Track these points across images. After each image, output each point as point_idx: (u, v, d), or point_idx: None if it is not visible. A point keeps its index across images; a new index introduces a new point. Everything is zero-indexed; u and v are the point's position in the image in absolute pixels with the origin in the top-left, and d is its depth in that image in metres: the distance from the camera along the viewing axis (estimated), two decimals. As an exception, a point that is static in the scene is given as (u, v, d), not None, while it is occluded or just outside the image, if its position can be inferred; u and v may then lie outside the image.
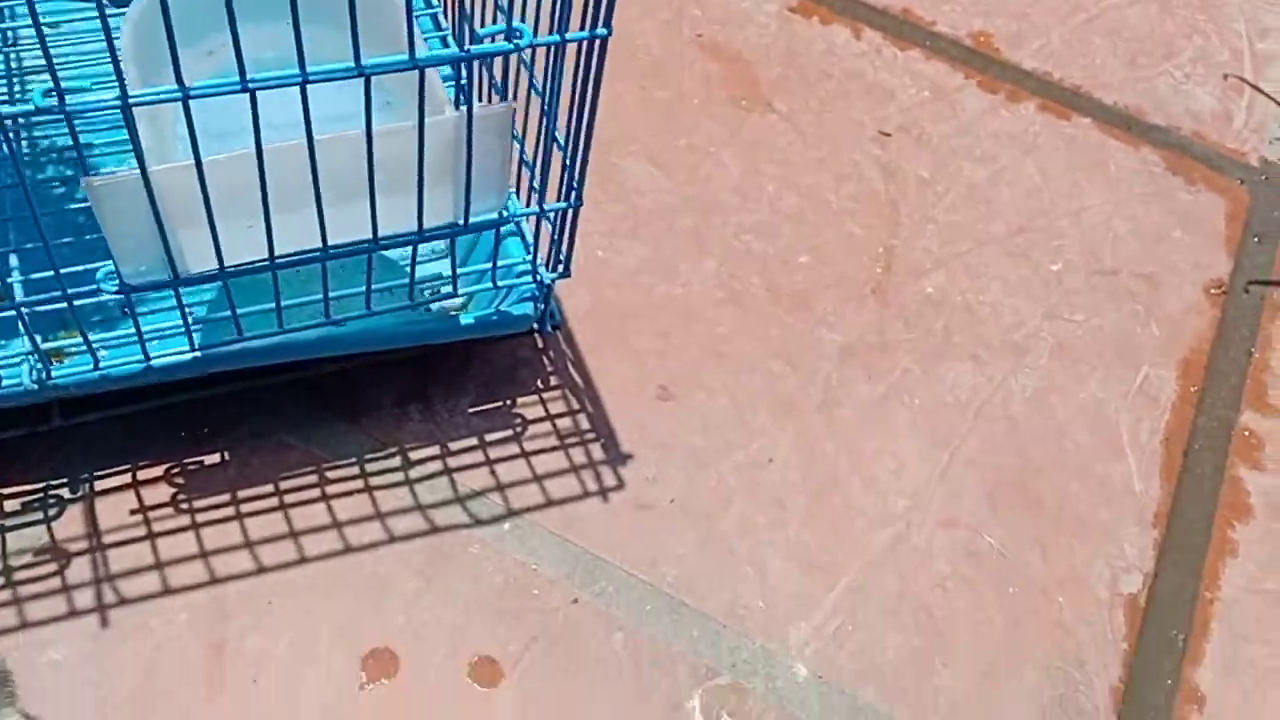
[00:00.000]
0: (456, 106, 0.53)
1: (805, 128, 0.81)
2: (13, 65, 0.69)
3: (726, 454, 0.63)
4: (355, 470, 0.59)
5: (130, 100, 0.42)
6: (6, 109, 0.41)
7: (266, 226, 0.48)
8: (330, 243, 0.51)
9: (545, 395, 0.64)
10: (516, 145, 0.60)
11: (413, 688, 0.52)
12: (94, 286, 0.49)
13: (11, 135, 0.65)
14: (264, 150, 0.45)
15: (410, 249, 0.55)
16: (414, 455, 0.60)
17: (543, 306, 0.61)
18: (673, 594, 0.57)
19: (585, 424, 0.63)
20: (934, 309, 0.72)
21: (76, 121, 0.42)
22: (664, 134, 0.80)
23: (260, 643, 0.52)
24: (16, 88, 0.68)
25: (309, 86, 0.44)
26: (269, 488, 0.57)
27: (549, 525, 0.58)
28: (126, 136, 0.62)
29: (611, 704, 0.52)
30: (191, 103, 0.42)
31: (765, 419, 0.65)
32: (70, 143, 0.67)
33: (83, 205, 0.63)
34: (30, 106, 0.41)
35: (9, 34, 0.70)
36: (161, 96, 0.42)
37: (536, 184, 0.56)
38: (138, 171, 0.44)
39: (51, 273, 0.48)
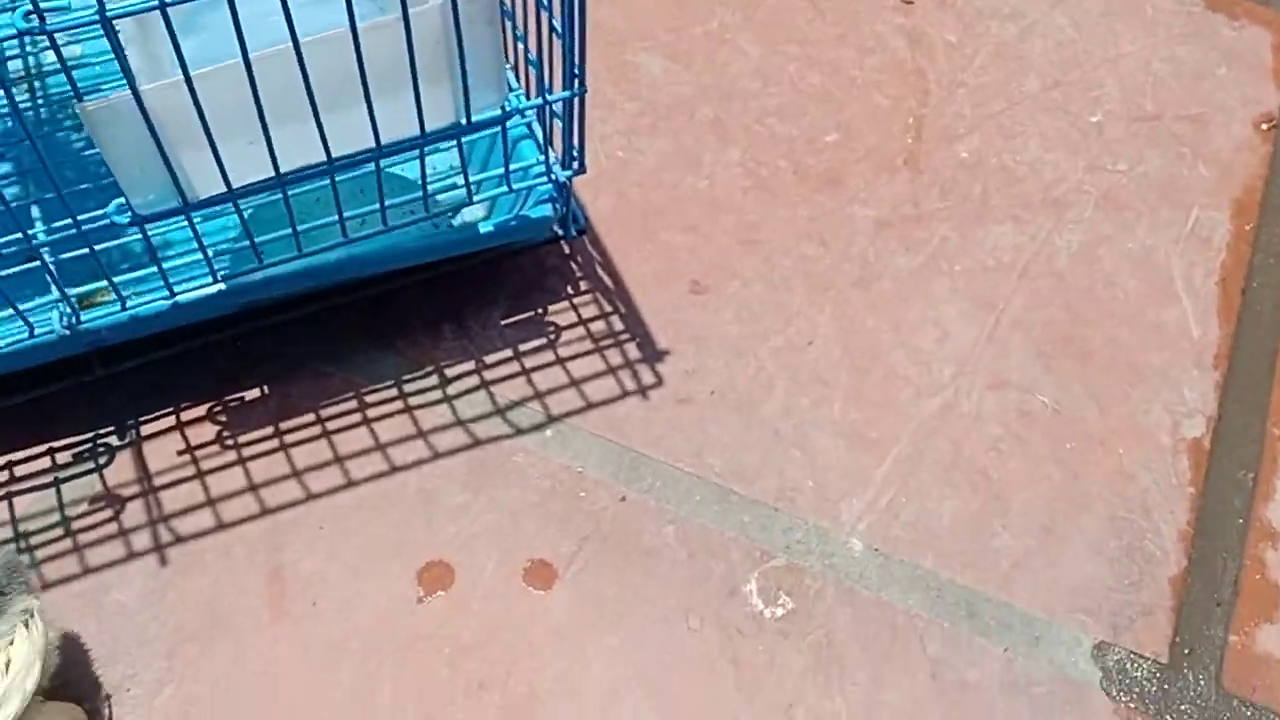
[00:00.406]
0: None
1: (823, 3, 0.78)
2: None
3: (764, 340, 0.62)
4: (394, 392, 0.59)
5: (109, 13, 0.41)
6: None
7: (266, 139, 0.48)
8: (334, 155, 0.50)
9: (576, 300, 0.63)
10: (519, 44, 0.58)
11: (469, 596, 0.52)
12: (108, 221, 0.49)
13: (15, 80, 0.65)
14: (251, 60, 0.44)
15: (424, 165, 0.54)
16: (450, 372, 0.59)
17: (562, 207, 0.60)
18: (720, 483, 0.56)
19: (619, 325, 0.62)
20: (969, 173, 0.70)
21: (80, 52, 0.41)
22: (678, 24, 0.78)
23: (316, 566, 0.52)
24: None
25: (290, -4, 0.43)
26: (310, 416, 0.57)
27: (590, 427, 0.58)
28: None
29: (668, 593, 0.52)
30: (189, 30, 0.42)
31: (801, 301, 0.63)
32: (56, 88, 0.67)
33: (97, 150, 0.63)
34: (12, 30, 0.40)
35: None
36: (140, 7, 0.41)
37: (546, 80, 0.55)
38: (129, 93, 0.44)
39: (66, 221, 0.48)
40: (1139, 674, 0.50)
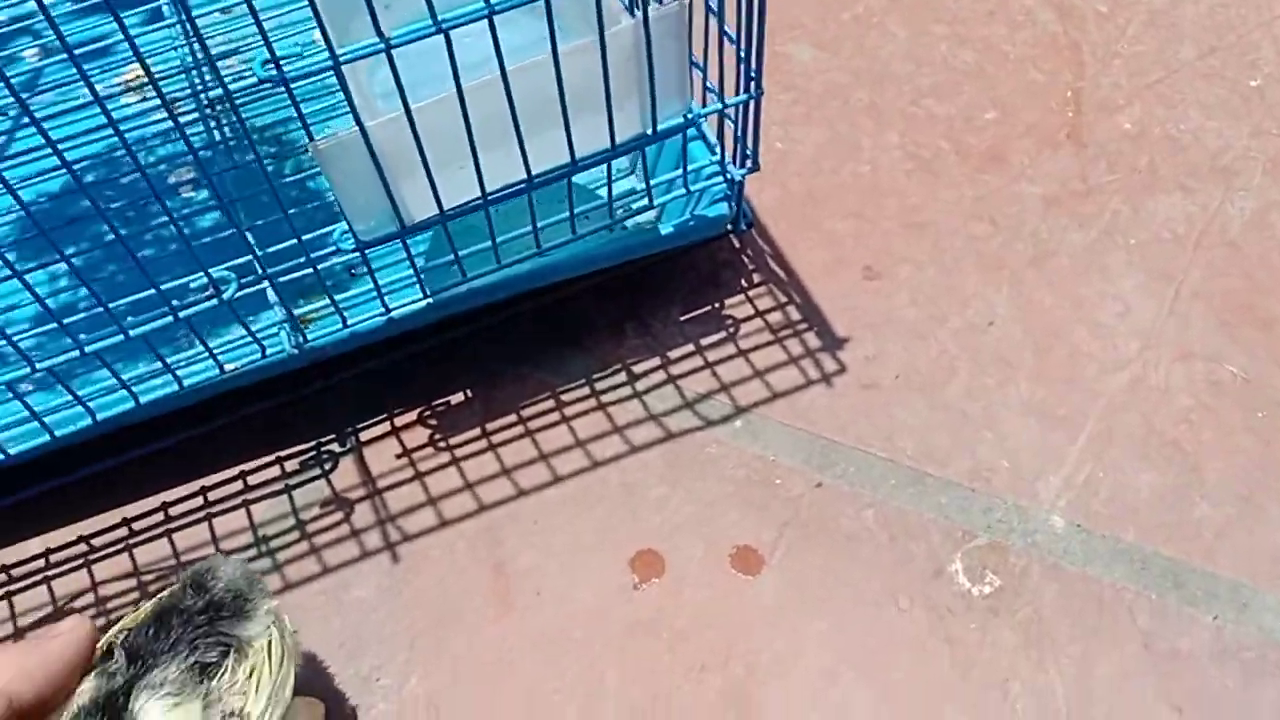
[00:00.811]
0: (631, 14, 0.54)
1: (967, -19, 0.79)
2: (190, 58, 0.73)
3: (943, 322, 0.63)
4: (586, 390, 0.61)
5: (340, 58, 0.44)
6: (217, 89, 0.44)
7: (475, 164, 0.51)
8: (534, 173, 0.53)
9: (751, 293, 0.65)
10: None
11: (681, 583, 0.54)
12: (332, 248, 0.53)
13: (218, 120, 0.70)
14: (463, 89, 0.47)
15: (600, 172, 0.56)
16: (637, 369, 0.62)
17: (735, 205, 0.62)
18: (914, 466, 0.57)
19: (795, 314, 0.64)
20: (1133, 144, 0.70)
21: (277, 96, 0.45)
22: (823, 11, 0.79)
23: (534, 559, 0.56)
24: (197, 79, 0.72)
25: (485, 23, 0.45)
26: (513, 417, 0.61)
27: (778, 417, 0.60)
28: (322, 106, 0.65)
29: (873, 576, 0.54)
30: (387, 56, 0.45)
31: (976, 282, 0.64)
32: (264, 122, 0.72)
33: (292, 179, 0.67)
34: (253, 79, 0.43)
35: (185, 26, 0.74)
36: (368, 50, 0.44)
37: (711, 83, 0.57)
38: (357, 129, 0.47)
39: (284, 245, 0.52)
40: (1355, 640, 0.51)
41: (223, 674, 0.42)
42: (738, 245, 0.67)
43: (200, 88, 0.71)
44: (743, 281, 0.66)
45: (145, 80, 0.75)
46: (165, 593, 0.44)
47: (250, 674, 0.43)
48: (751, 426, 0.60)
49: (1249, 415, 0.58)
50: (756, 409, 0.60)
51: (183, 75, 0.72)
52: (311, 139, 0.48)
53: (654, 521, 0.57)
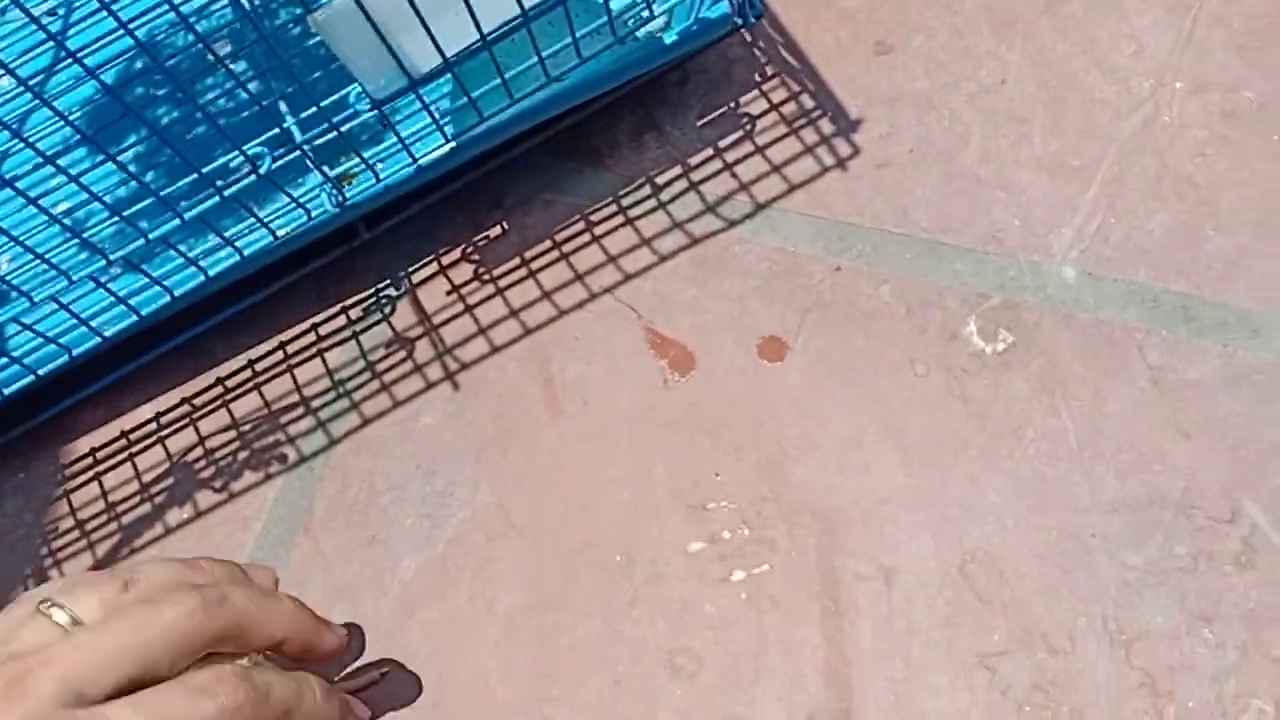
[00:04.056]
0: None
1: None
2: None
3: (956, 88, 0.63)
4: (614, 208, 0.65)
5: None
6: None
7: (468, 6, 0.53)
8: (527, 5, 0.55)
9: (765, 86, 0.66)
10: None
11: (712, 375, 0.58)
12: (352, 110, 0.56)
13: None
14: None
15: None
16: (659, 180, 0.65)
17: (735, 1, 0.62)
18: (929, 237, 0.59)
19: (809, 103, 0.65)
20: None
21: None
22: None
23: (579, 370, 0.60)
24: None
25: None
26: (548, 243, 0.64)
27: (797, 208, 0.62)
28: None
29: (892, 347, 0.57)
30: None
31: (989, 41, 0.64)
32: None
33: (320, 38, 0.70)
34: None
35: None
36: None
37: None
38: (347, -1, 0.50)
39: (312, 110, 0.55)
40: (1365, 350, 0.52)
41: None
42: (749, 39, 0.68)
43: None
44: (756, 75, 0.67)
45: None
46: None
47: None
48: (772, 221, 0.62)
49: (1265, 140, 0.57)
50: (776, 203, 0.62)
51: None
52: (309, 11, 0.52)
53: (685, 323, 0.60)
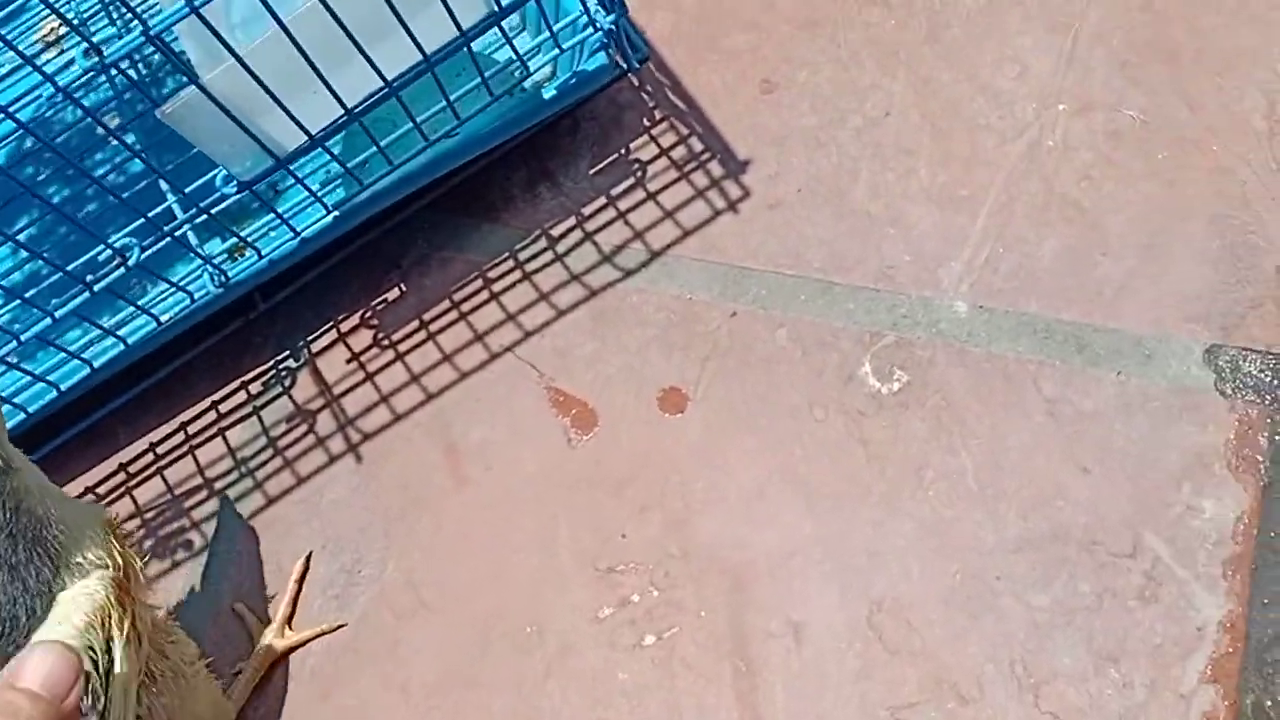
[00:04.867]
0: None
1: None
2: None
3: (842, 124, 0.63)
4: (510, 264, 0.64)
5: (153, 29, 0.46)
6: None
7: (325, 84, 0.52)
8: (390, 76, 0.54)
9: (654, 131, 0.65)
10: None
11: (615, 432, 0.58)
12: (219, 194, 0.55)
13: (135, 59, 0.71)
14: (286, 23, 0.48)
15: (488, 45, 0.56)
16: (555, 232, 0.64)
17: (613, 51, 0.61)
18: (821, 277, 0.59)
19: (699, 145, 0.64)
20: (1026, -116, 0.66)
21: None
22: None
23: (481, 434, 0.59)
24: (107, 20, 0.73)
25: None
26: (446, 303, 0.63)
27: (691, 254, 0.61)
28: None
29: (790, 391, 0.56)
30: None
31: (874, 72, 0.64)
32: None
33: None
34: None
35: None
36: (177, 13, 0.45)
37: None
38: (195, 88, 0.49)
39: (198, 184, 0.54)
40: (1252, 369, 0.51)
41: None
42: (637, 83, 0.67)
43: (119, 28, 0.72)
44: (645, 120, 0.66)
45: (62, 34, 0.77)
46: None
47: None
48: (667, 268, 0.61)
49: (1149, 159, 0.57)
50: (670, 250, 0.62)
51: (102, 17, 0.73)
52: (156, 105, 0.50)
53: (586, 379, 0.60)
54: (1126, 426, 0.52)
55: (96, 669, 0.40)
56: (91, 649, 0.40)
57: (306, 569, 0.58)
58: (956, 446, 0.53)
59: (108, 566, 0.42)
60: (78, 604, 0.41)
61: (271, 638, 0.56)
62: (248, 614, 0.57)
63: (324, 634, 0.56)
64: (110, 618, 0.41)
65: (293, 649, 0.56)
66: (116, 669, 0.41)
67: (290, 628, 0.57)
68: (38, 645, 0.39)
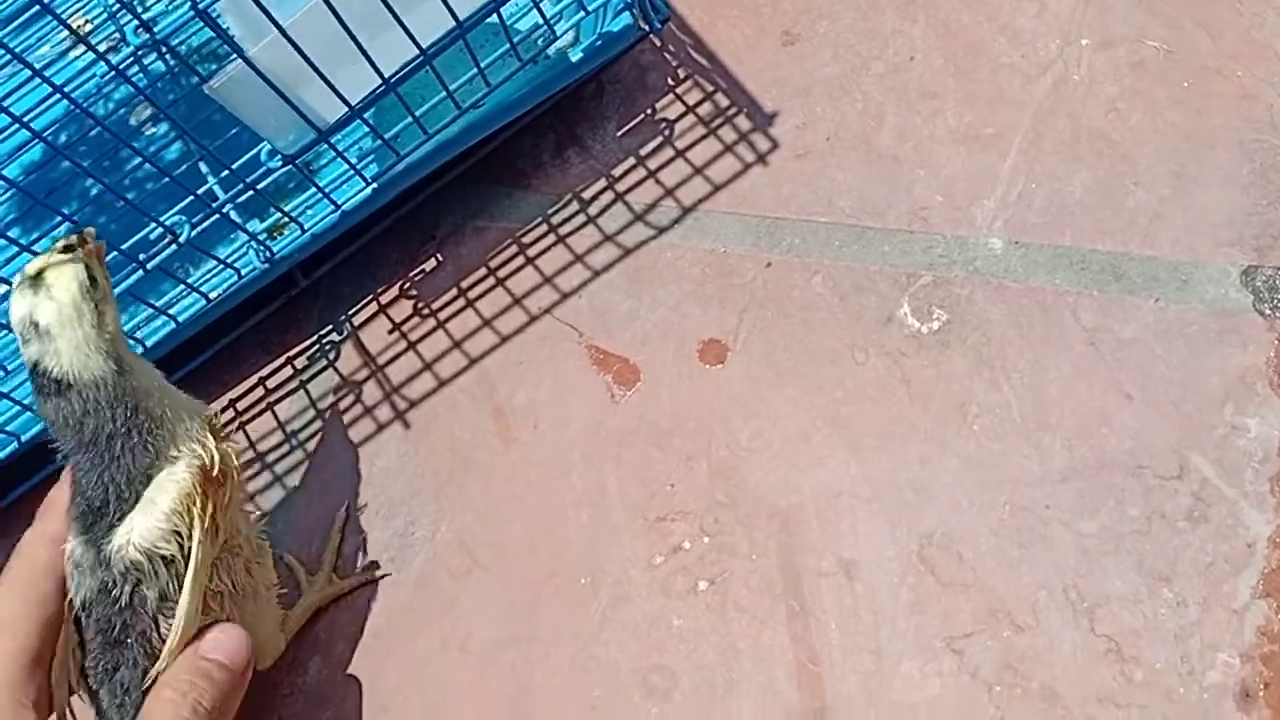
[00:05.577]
0: None
1: None
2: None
3: (866, 70, 0.63)
4: (544, 228, 0.65)
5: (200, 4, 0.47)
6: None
7: (364, 54, 0.53)
8: (424, 44, 0.55)
9: (680, 90, 0.66)
10: None
11: (657, 386, 0.59)
12: (264, 168, 0.56)
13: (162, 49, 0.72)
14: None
15: (511, 13, 0.57)
16: (586, 195, 0.65)
17: (636, 11, 0.62)
18: (854, 223, 0.59)
19: (724, 101, 0.65)
20: None
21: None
22: None
23: (527, 395, 0.60)
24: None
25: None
26: (483, 271, 0.64)
27: (723, 208, 0.62)
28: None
29: (829, 337, 0.57)
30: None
31: (894, 18, 0.64)
32: (201, 39, 0.74)
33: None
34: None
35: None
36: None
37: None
38: (240, 62, 0.50)
39: (237, 164, 0.55)
40: (1291, 289, 0.52)
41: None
42: (659, 44, 0.68)
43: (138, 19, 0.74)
44: (669, 79, 0.67)
45: (88, 30, 0.78)
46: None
47: None
48: (700, 223, 0.62)
49: (1175, 88, 0.57)
50: (702, 205, 0.62)
51: (120, 9, 0.74)
52: (204, 81, 0.51)
53: (625, 337, 0.60)
54: (1167, 352, 0.52)
55: (181, 551, 0.46)
56: (177, 532, 0.46)
57: (347, 519, 0.60)
58: (999, 381, 0.54)
59: (199, 458, 0.48)
60: (165, 489, 0.47)
61: (320, 585, 0.57)
62: (297, 565, 0.58)
63: (367, 583, 0.58)
64: (195, 504, 0.47)
65: (339, 596, 0.57)
66: (193, 554, 0.47)
67: (337, 575, 0.58)
68: (219, 625, 0.48)
